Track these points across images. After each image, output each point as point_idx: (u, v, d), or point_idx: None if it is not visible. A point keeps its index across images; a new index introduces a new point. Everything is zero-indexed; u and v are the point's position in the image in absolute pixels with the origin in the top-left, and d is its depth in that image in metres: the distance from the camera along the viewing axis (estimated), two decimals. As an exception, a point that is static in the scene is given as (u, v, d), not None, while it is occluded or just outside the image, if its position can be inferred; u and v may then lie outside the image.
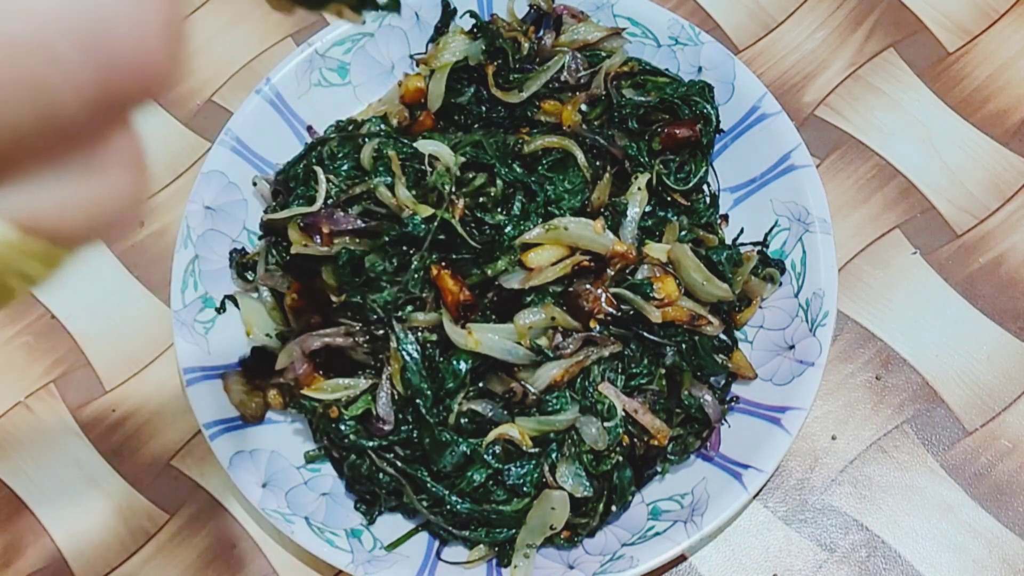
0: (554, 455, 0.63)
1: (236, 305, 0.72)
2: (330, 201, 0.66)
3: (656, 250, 0.67)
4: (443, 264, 0.64)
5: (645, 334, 0.64)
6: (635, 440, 0.64)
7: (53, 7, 0.21)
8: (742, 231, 0.72)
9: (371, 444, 0.64)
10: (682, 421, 0.66)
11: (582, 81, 0.73)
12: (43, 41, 0.21)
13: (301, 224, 0.66)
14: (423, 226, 0.63)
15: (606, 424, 0.63)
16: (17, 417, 0.74)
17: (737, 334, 0.70)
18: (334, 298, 0.65)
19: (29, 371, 0.76)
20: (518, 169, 0.66)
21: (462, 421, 0.63)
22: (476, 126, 0.73)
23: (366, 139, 0.69)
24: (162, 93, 0.24)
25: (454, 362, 0.62)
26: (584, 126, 0.71)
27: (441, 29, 0.77)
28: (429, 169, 0.65)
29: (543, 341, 0.63)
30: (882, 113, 0.79)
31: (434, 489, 0.63)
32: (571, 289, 0.64)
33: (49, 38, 0.21)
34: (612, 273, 0.64)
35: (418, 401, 0.62)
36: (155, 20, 0.23)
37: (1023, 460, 0.69)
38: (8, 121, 0.22)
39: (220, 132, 0.74)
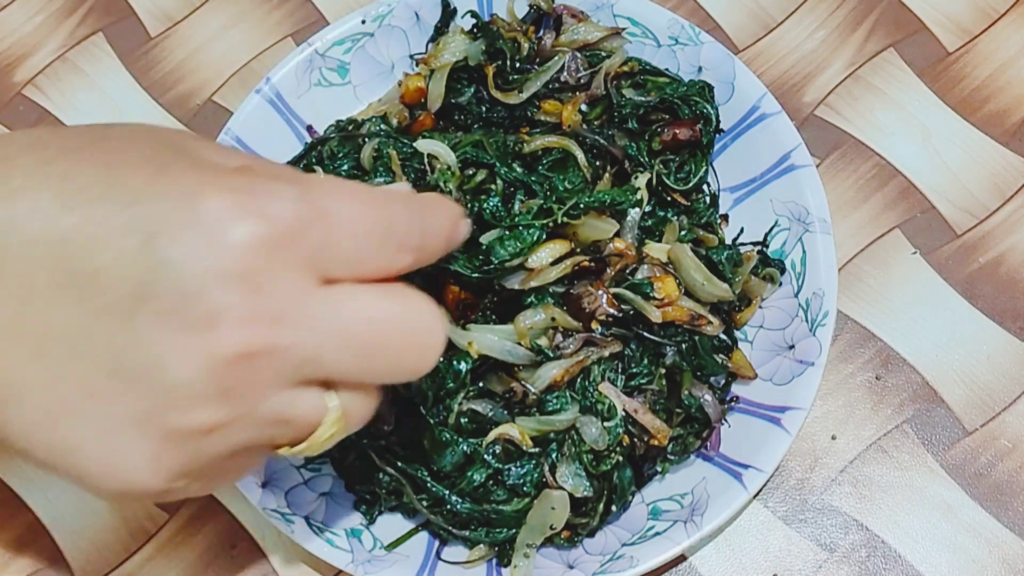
0: (554, 455, 0.63)
1: (236, 305, 0.72)
2: (330, 201, 0.66)
3: (656, 250, 0.67)
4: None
5: (645, 334, 0.64)
6: (635, 440, 0.64)
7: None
8: (742, 231, 0.72)
9: (371, 444, 0.64)
10: (682, 421, 0.66)
11: (582, 81, 0.73)
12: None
13: (301, 224, 0.66)
14: (423, 226, 0.63)
15: (606, 424, 0.63)
16: (17, 417, 0.74)
17: (737, 334, 0.70)
18: (334, 298, 0.65)
19: (29, 371, 0.76)
20: (518, 169, 0.66)
21: (462, 421, 0.63)
22: (476, 126, 0.73)
23: (366, 139, 0.69)
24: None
25: (454, 362, 0.62)
26: (584, 126, 0.71)
27: (441, 29, 0.77)
28: (429, 169, 0.65)
29: (543, 341, 0.63)
30: (882, 113, 0.79)
31: (434, 489, 0.63)
32: (572, 291, 0.64)
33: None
34: (612, 273, 0.64)
35: (418, 401, 0.62)
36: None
37: (1023, 460, 0.69)
38: None
39: (220, 132, 0.74)
